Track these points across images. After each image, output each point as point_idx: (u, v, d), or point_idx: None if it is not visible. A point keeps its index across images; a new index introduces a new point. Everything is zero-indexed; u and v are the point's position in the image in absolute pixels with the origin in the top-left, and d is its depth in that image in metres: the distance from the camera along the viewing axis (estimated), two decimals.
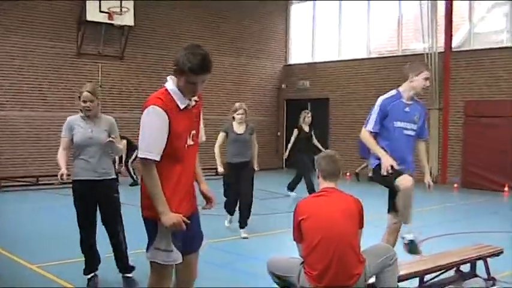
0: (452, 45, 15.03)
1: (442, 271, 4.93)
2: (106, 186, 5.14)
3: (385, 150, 4.84)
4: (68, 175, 5.01)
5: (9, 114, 13.63)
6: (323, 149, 9.86)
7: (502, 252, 5.39)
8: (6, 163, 13.51)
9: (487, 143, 13.67)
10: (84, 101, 5.07)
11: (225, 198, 8.10)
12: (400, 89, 5.08)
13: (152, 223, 3.33)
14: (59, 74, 14.29)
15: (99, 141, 5.08)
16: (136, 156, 13.26)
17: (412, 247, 4.88)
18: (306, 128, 11.48)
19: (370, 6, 17.12)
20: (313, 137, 11.62)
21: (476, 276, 5.00)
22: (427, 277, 4.85)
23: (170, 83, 3.35)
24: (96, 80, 14.61)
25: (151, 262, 3.40)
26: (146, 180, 3.26)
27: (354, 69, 17.28)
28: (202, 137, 3.67)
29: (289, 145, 11.61)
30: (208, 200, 3.69)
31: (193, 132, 3.44)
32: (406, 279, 4.64)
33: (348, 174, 15.85)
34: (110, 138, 5.10)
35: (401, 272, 4.43)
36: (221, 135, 7.86)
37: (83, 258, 5.32)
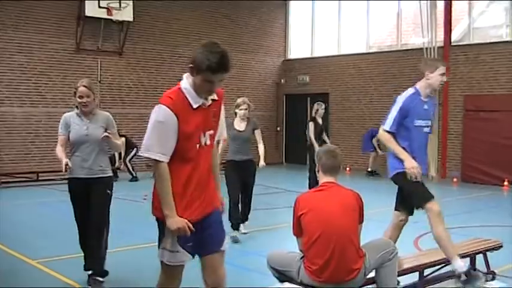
0: (452, 40, 15.02)
1: (442, 265, 4.94)
2: (101, 183, 5.05)
3: (406, 151, 4.79)
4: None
5: (9, 110, 13.62)
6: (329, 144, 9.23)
7: (501, 246, 5.40)
8: (6, 159, 13.51)
9: (487, 137, 13.66)
10: (81, 97, 4.97)
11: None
12: (418, 86, 4.98)
13: (161, 223, 3.30)
14: (58, 69, 14.28)
15: (96, 138, 4.99)
16: (134, 154, 13.33)
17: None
18: (320, 121, 10.63)
19: (369, 0, 17.08)
20: (324, 131, 10.76)
21: (475, 270, 5.00)
22: (427, 271, 4.86)
23: (185, 81, 3.26)
24: (95, 76, 14.61)
25: (160, 261, 3.40)
26: (155, 180, 3.25)
27: (353, 64, 17.26)
28: (222, 134, 3.56)
29: (312, 140, 10.21)
30: None
31: (210, 132, 3.34)
32: (406, 274, 4.64)
33: (347, 168, 15.85)
34: (106, 133, 4.98)
35: (402, 267, 4.43)
36: None
37: (83, 254, 5.30)
